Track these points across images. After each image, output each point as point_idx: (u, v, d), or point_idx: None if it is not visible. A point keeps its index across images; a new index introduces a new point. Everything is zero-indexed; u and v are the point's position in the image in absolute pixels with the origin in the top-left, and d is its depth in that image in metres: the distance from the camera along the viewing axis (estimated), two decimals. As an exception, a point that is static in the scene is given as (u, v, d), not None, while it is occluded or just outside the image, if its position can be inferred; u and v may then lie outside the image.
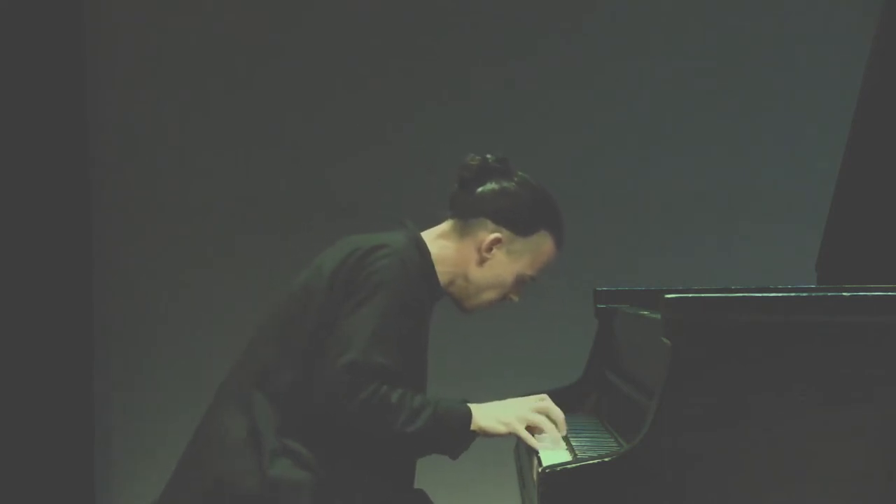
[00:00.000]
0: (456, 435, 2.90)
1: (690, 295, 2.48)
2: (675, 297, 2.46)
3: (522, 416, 2.93)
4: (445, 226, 3.10)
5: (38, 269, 5.37)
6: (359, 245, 2.96)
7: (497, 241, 3.05)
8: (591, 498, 2.42)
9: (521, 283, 3.11)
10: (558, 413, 2.95)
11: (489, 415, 2.93)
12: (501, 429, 2.92)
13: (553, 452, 2.81)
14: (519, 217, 3.06)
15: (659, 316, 2.51)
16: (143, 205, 5.62)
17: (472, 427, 2.90)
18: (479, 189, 3.08)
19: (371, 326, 2.85)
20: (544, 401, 2.98)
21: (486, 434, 2.92)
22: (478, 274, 3.07)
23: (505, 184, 3.09)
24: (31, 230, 5.35)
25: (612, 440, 3.07)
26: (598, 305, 3.71)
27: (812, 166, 5.35)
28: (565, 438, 2.97)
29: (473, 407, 2.93)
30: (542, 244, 3.10)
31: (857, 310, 2.45)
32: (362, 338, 2.84)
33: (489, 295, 3.10)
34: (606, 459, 2.43)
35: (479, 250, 3.05)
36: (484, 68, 5.58)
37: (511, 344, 5.53)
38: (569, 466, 2.45)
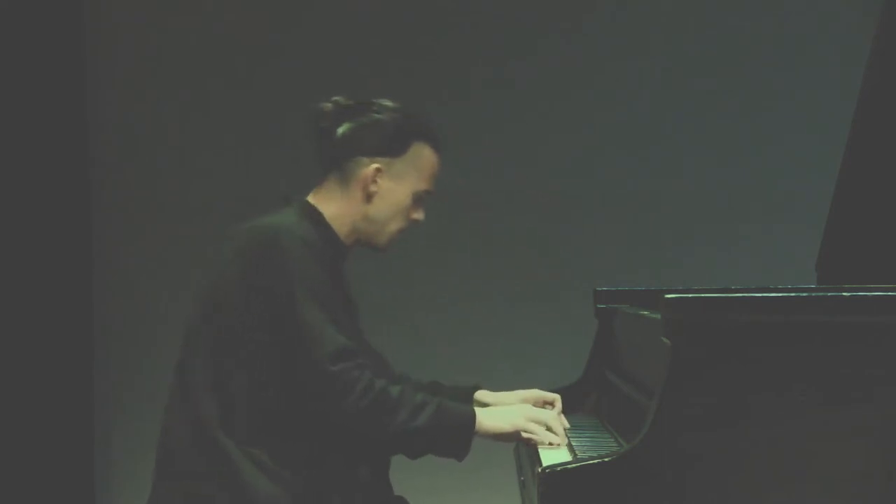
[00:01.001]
0: (459, 434, 2.88)
1: (690, 295, 2.47)
2: (675, 297, 2.46)
3: (527, 418, 2.94)
4: (327, 183, 3.06)
5: (38, 269, 5.37)
6: (256, 238, 2.91)
7: (377, 172, 3.02)
8: (591, 498, 2.42)
9: (419, 200, 3.08)
10: (558, 425, 2.96)
11: (494, 415, 2.93)
12: (507, 428, 2.91)
13: (553, 452, 2.81)
14: (387, 140, 3.03)
15: (659, 316, 2.51)
16: (143, 205, 5.61)
17: (477, 428, 2.89)
18: (340, 132, 3.03)
19: (317, 316, 2.83)
20: (548, 413, 2.98)
21: (491, 434, 2.92)
22: (374, 210, 3.04)
23: (361, 118, 3.04)
24: (31, 230, 5.34)
25: (612, 440, 3.07)
26: (598, 305, 3.71)
27: (812, 166, 5.35)
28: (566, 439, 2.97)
29: (478, 409, 2.93)
30: (421, 155, 3.07)
31: (857, 310, 2.45)
32: (318, 330, 2.82)
33: (394, 225, 3.07)
34: (606, 459, 2.43)
35: (364, 189, 3.02)
36: (484, 68, 5.57)
37: (511, 344, 5.53)
38: (569, 466, 2.45)
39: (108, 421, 5.60)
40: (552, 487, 2.43)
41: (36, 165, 5.36)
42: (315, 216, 3.01)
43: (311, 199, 3.06)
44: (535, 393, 3.18)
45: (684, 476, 2.42)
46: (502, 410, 2.97)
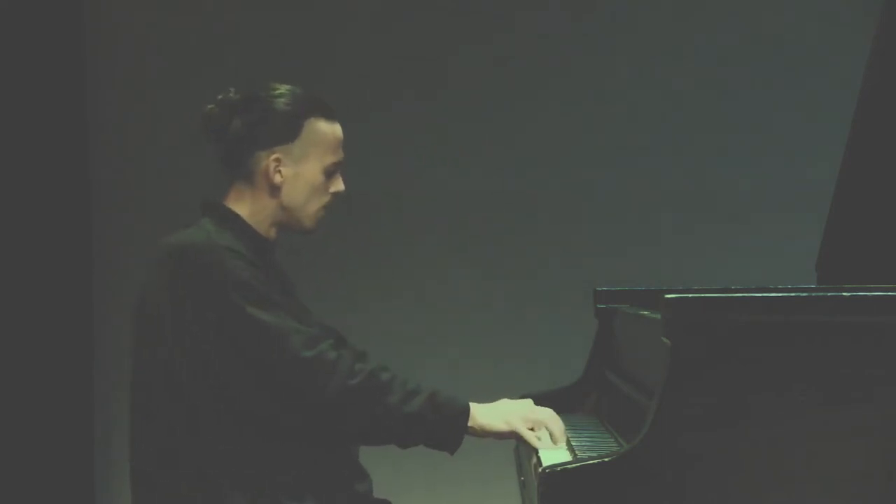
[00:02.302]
0: (452, 425, 2.85)
1: (690, 295, 2.47)
2: (675, 297, 2.46)
3: (525, 417, 2.92)
4: (235, 184, 3.03)
5: (38, 269, 5.37)
6: (180, 259, 2.88)
7: (277, 162, 2.98)
8: (591, 498, 2.42)
9: (331, 174, 3.04)
10: (558, 426, 2.94)
11: (490, 412, 2.90)
12: (503, 427, 2.89)
13: (553, 452, 2.81)
14: (277, 128, 2.98)
15: (659, 316, 2.51)
16: (143, 205, 5.61)
17: (471, 423, 2.87)
18: (231, 131, 3.01)
19: (272, 317, 2.81)
20: (547, 413, 2.95)
21: (485, 431, 2.89)
22: (287, 199, 3.00)
23: (248, 113, 3.00)
24: (31, 230, 5.34)
25: (612, 440, 3.07)
26: (598, 305, 3.71)
27: (812, 166, 5.35)
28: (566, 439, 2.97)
29: (473, 404, 2.90)
30: (317, 131, 3.01)
31: (857, 310, 2.45)
32: (280, 327, 2.80)
33: (313, 205, 3.02)
34: (606, 459, 2.43)
35: (269, 182, 2.98)
36: (483, 69, 5.57)
37: (511, 344, 5.53)
38: (569, 466, 2.45)
39: (108, 421, 5.60)
40: (552, 487, 2.43)
41: (36, 165, 5.36)
42: (233, 221, 2.98)
43: (227, 202, 3.03)
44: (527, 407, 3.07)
45: (684, 476, 2.42)
46: (500, 407, 2.93)
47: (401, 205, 5.55)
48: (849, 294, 2.47)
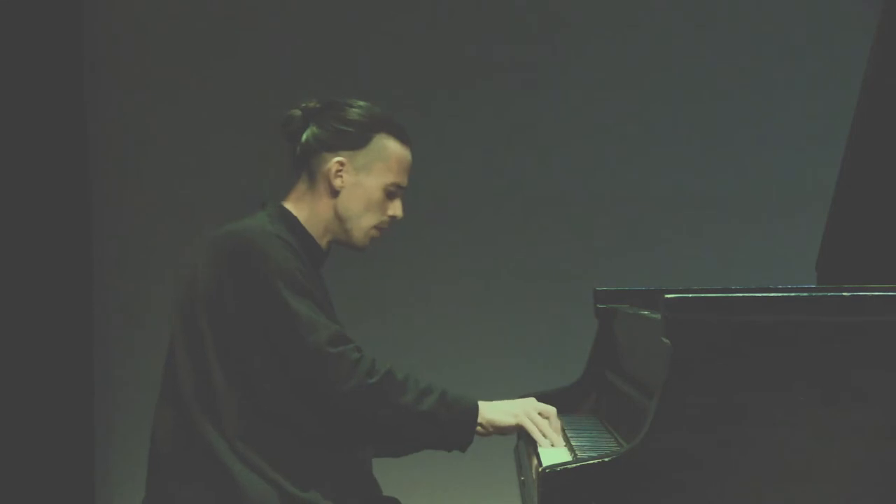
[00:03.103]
0: (463, 423, 2.89)
1: (690, 295, 2.47)
2: (675, 297, 2.46)
3: (529, 411, 2.94)
4: (297, 186, 3.08)
5: (38, 268, 5.37)
6: (232, 243, 2.93)
7: (340, 165, 3.02)
8: (591, 498, 2.42)
9: (391, 195, 3.07)
10: (557, 424, 2.96)
11: (496, 407, 2.94)
12: (510, 420, 2.92)
13: (553, 452, 2.81)
14: (347, 134, 3.03)
15: (659, 316, 2.51)
16: (143, 205, 5.62)
17: (479, 419, 2.91)
18: (305, 135, 3.05)
19: (307, 307, 2.85)
20: (550, 407, 2.98)
21: (493, 426, 2.92)
22: (343, 206, 3.03)
23: (325, 118, 3.05)
24: (31, 230, 5.34)
25: (612, 440, 3.07)
26: (598, 305, 3.71)
27: (812, 166, 5.36)
28: (565, 438, 2.97)
29: (480, 402, 2.94)
30: (386, 147, 3.05)
31: (857, 310, 2.45)
32: (311, 319, 2.84)
33: (367, 220, 3.05)
34: (606, 459, 2.43)
35: (329, 184, 3.02)
36: (482, 68, 5.58)
37: (511, 344, 5.53)
38: (569, 466, 2.45)
39: (108, 421, 5.60)
40: (552, 487, 2.43)
41: (36, 165, 5.36)
42: (289, 219, 3.02)
43: (285, 203, 3.07)
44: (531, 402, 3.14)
45: (684, 476, 2.42)
46: (505, 402, 2.97)
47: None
48: (849, 294, 2.47)
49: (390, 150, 3.06)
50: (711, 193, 5.54)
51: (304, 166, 3.06)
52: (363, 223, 3.05)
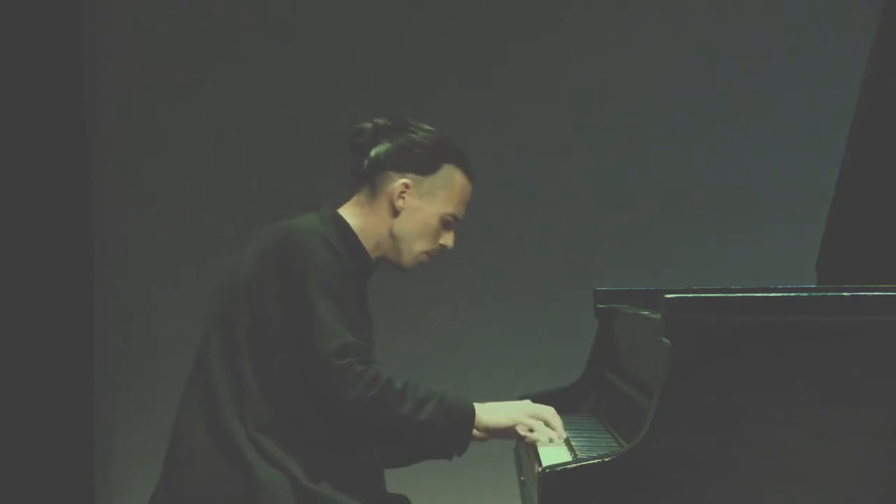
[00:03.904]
0: (460, 428, 2.90)
1: (690, 295, 2.47)
2: (675, 297, 2.46)
3: (526, 413, 2.94)
4: (357, 196, 3.10)
5: (38, 268, 5.37)
6: (277, 237, 2.96)
7: (405, 187, 3.04)
8: (591, 498, 2.42)
9: (447, 225, 3.10)
10: (558, 422, 2.96)
11: (493, 410, 2.94)
12: (506, 422, 2.93)
13: (553, 452, 2.81)
14: (418, 158, 3.06)
15: (659, 316, 2.51)
16: (143, 205, 5.61)
17: (477, 423, 2.91)
18: (374, 150, 3.07)
19: (329, 311, 2.86)
20: (547, 410, 2.98)
21: (490, 430, 2.93)
22: (400, 227, 3.06)
23: (396, 137, 3.08)
24: (31, 230, 5.34)
25: (612, 440, 3.07)
26: (598, 305, 3.71)
27: (812, 166, 5.35)
28: (565, 438, 2.97)
29: (477, 404, 2.94)
30: (452, 178, 3.09)
31: (857, 310, 2.45)
32: (328, 325, 2.86)
33: (420, 245, 3.08)
34: (606, 459, 2.43)
35: (390, 203, 3.05)
36: (482, 68, 5.58)
37: (511, 344, 5.53)
38: (569, 466, 2.45)
39: (108, 421, 5.60)
40: (552, 487, 2.43)
41: (36, 165, 5.36)
42: (342, 225, 3.04)
43: (341, 210, 3.09)
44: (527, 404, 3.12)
45: (684, 476, 2.42)
46: (501, 405, 2.97)
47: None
48: (849, 294, 2.47)
49: (456, 181, 3.09)
50: (711, 193, 5.54)
51: (367, 180, 3.08)
52: (415, 247, 3.08)
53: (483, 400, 2.99)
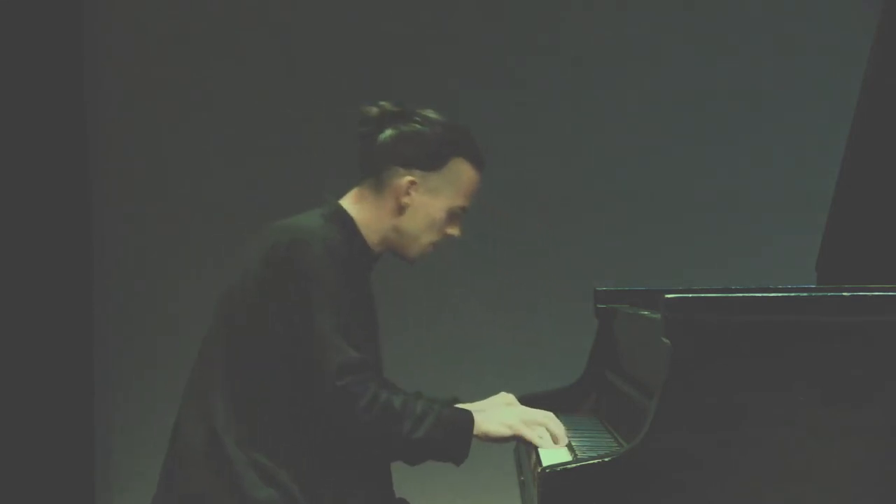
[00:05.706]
0: (459, 440, 2.86)
1: (690, 295, 2.47)
2: (675, 297, 2.46)
3: (524, 419, 2.93)
4: (362, 188, 3.02)
5: (38, 268, 5.37)
6: (278, 239, 2.88)
7: (411, 185, 2.98)
8: (591, 498, 2.42)
9: (454, 216, 3.05)
10: (558, 427, 2.94)
11: (491, 418, 2.91)
12: (505, 431, 2.90)
13: (553, 452, 2.81)
14: (425, 154, 2.99)
15: (659, 316, 2.51)
16: (143, 205, 5.62)
17: (475, 432, 2.88)
18: (380, 138, 2.99)
19: (328, 323, 2.80)
20: (546, 415, 2.96)
21: (489, 438, 2.90)
22: (405, 223, 3.00)
23: (403, 127, 3.00)
24: (31, 230, 5.34)
25: (612, 440, 3.07)
26: (598, 305, 3.70)
27: (812, 166, 5.35)
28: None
29: (474, 412, 2.92)
30: (460, 172, 3.02)
31: (857, 310, 2.45)
32: (327, 337, 2.80)
33: (426, 238, 3.03)
34: (606, 459, 2.43)
35: (396, 200, 2.98)
36: (482, 70, 5.58)
37: (511, 344, 5.53)
38: (569, 466, 2.45)
39: (108, 421, 5.60)
40: (552, 487, 2.43)
41: (36, 165, 5.37)
42: (344, 220, 2.98)
43: (344, 202, 3.02)
44: (524, 410, 3.08)
45: (684, 476, 2.42)
46: (499, 413, 2.95)
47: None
48: (849, 294, 2.47)
49: (464, 174, 3.03)
50: (711, 193, 5.54)
51: (371, 170, 3.01)
52: (422, 241, 3.03)
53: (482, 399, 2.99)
